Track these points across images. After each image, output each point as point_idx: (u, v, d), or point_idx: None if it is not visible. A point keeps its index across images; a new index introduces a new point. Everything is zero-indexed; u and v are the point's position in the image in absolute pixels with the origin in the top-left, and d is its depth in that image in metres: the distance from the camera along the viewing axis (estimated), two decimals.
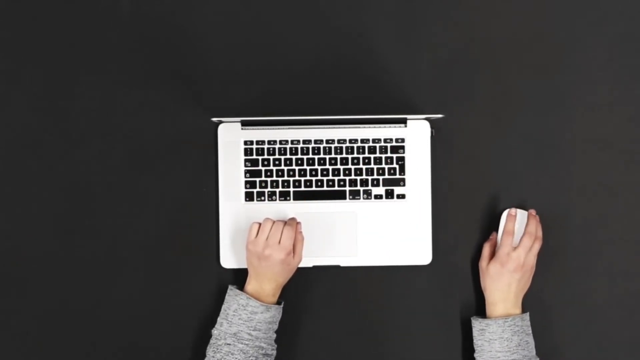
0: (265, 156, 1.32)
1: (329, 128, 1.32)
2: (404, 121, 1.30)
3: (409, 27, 1.35)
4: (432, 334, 1.33)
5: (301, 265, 1.30)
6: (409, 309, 1.34)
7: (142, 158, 1.34)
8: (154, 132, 1.34)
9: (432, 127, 1.33)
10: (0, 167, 1.34)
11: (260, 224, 1.25)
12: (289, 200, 1.32)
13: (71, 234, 1.33)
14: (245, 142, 1.32)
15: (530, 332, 1.26)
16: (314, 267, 1.32)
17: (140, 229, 1.33)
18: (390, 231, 1.32)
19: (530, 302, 1.30)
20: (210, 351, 1.22)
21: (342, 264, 1.32)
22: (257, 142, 1.32)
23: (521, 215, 1.30)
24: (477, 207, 1.34)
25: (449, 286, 1.34)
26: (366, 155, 1.32)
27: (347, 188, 1.32)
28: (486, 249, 1.30)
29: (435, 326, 1.33)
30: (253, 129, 1.32)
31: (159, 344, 1.33)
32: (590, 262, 1.34)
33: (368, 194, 1.32)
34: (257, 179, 1.32)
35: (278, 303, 1.26)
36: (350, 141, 1.32)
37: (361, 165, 1.32)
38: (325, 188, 1.32)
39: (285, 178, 1.32)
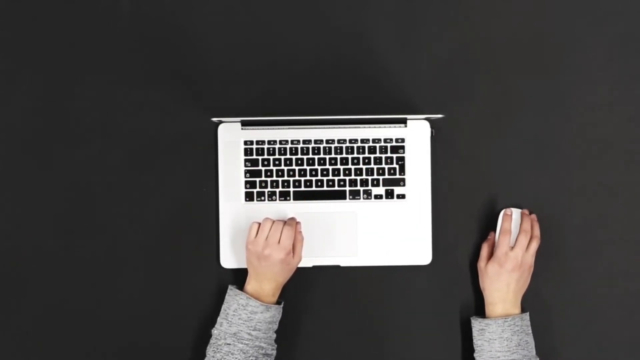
0: (265, 156, 1.32)
1: (329, 128, 1.32)
2: (404, 121, 1.30)
3: (409, 27, 1.35)
4: (432, 334, 1.33)
5: (301, 265, 1.30)
6: (409, 309, 1.34)
7: (142, 158, 1.34)
8: (154, 132, 1.34)
9: (432, 127, 1.33)
10: (0, 167, 1.34)
11: (259, 224, 1.25)
12: (289, 200, 1.32)
13: (71, 234, 1.33)
14: (245, 142, 1.32)
15: (530, 331, 1.26)
16: (314, 267, 1.32)
17: (140, 229, 1.33)
18: (390, 231, 1.32)
19: (530, 302, 1.30)
20: (210, 351, 1.22)
21: (342, 264, 1.32)
22: (257, 142, 1.32)
23: (518, 214, 1.30)
24: (477, 207, 1.34)
25: (449, 286, 1.34)
26: (366, 155, 1.32)
27: (347, 188, 1.32)
28: (484, 249, 1.30)
29: (435, 326, 1.33)
30: (253, 129, 1.32)
31: (159, 344, 1.33)
32: (590, 262, 1.34)
33: (368, 194, 1.32)
34: (257, 179, 1.32)
35: (278, 303, 1.26)
36: (350, 141, 1.32)
37: (361, 165, 1.32)
38: (325, 188, 1.32)
39: (285, 178, 1.32)
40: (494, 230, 1.31)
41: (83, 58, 1.34)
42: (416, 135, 1.32)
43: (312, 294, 1.33)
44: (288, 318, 1.30)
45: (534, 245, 1.27)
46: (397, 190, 1.32)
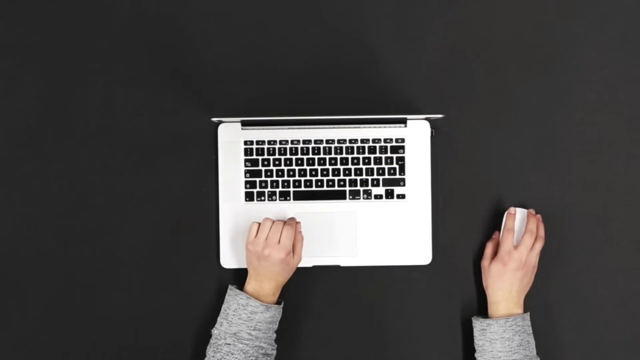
0: (265, 156, 1.32)
1: (329, 128, 1.32)
2: (404, 121, 1.30)
3: (409, 27, 1.35)
4: (432, 334, 1.33)
5: (301, 265, 1.30)
6: (409, 309, 1.34)
7: (142, 158, 1.34)
8: (154, 132, 1.34)
9: (432, 127, 1.33)
10: (0, 167, 1.34)
11: (259, 224, 1.25)
12: (289, 200, 1.32)
13: (71, 234, 1.33)
14: (245, 142, 1.32)
15: (531, 331, 1.26)
16: (314, 267, 1.32)
17: (140, 229, 1.33)
18: (390, 231, 1.32)
19: (530, 302, 1.29)
20: (210, 351, 1.22)
21: (342, 264, 1.32)
22: (257, 142, 1.32)
23: (522, 214, 1.30)
24: (477, 207, 1.34)
25: (449, 286, 1.34)
26: (366, 155, 1.32)
27: (347, 188, 1.32)
28: (489, 248, 1.30)
29: (435, 326, 1.33)
30: (253, 129, 1.32)
31: (159, 344, 1.33)
32: (591, 262, 1.34)
33: (368, 194, 1.32)
34: (257, 179, 1.32)
35: (278, 303, 1.26)
36: (350, 141, 1.32)
37: (361, 165, 1.32)
38: (325, 188, 1.32)
39: (285, 178, 1.32)
40: (497, 229, 1.31)
41: (83, 58, 1.34)
42: (416, 135, 1.32)
43: (312, 294, 1.33)
44: (288, 318, 1.30)
45: (538, 245, 1.27)
46: (397, 190, 1.32)
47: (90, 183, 1.33)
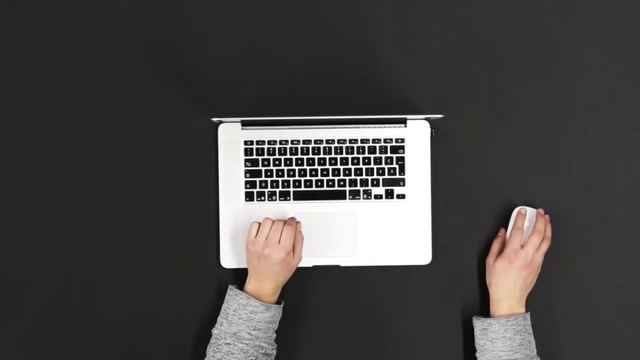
0: (265, 156, 1.32)
1: (329, 128, 1.32)
2: (403, 121, 1.30)
3: (409, 27, 1.35)
4: (432, 334, 1.33)
5: (301, 265, 1.30)
6: (409, 309, 1.34)
7: (142, 158, 1.34)
8: (154, 132, 1.34)
9: (432, 127, 1.33)
10: (0, 167, 1.34)
11: (260, 224, 1.25)
12: (289, 200, 1.32)
13: (71, 234, 1.33)
14: (245, 142, 1.32)
15: (532, 331, 1.26)
16: (314, 267, 1.32)
17: (140, 229, 1.33)
18: (390, 231, 1.32)
19: (531, 302, 1.29)
20: (210, 351, 1.22)
21: (342, 264, 1.32)
22: (257, 142, 1.32)
23: (531, 213, 1.30)
24: (477, 207, 1.34)
25: (449, 286, 1.34)
26: (366, 155, 1.32)
27: (347, 188, 1.32)
28: (495, 246, 1.30)
29: (436, 326, 1.33)
30: (253, 129, 1.32)
31: (159, 344, 1.33)
32: (590, 262, 1.34)
33: (368, 194, 1.32)
34: (257, 179, 1.32)
35: (278, 303, 1.26)
36: (350, 141, 1.32)
37: (361, 165, 1.32)
38: (325, 188, 1.32)
39: (285, 178, 1.32)
40: (498, 228, 1.31)
41: (83, 58, 1.34)
42: (416, 135, 1.32)
43: (312, 294, 1.33)
44: (288, 318, 1.30)
45: (544, 245, 1.27)
46: (397, 190, 1.32)
47: (90, 183, 1.33)
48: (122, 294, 1.33)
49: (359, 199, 1.32)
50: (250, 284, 1.26)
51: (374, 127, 1.32)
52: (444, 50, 1.34)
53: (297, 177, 1.32)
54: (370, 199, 1.32)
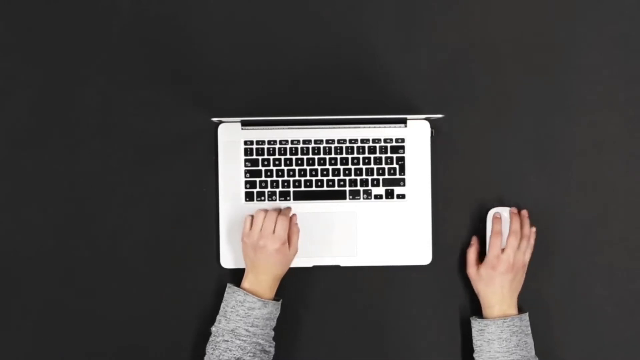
0: (265, 156, 1.32)
1: (329, 128, 1.32)
2: (404, 121, 1.30)
3: (408, 28, 1.35)
4: (431, 334, 1.33)
5: (301, 265, 1.30)
6: (409, 309, 1.33)
7: (142, 158, 1.34)
8: (154, 132, 1.34)
9: (432, 127, 1.33)
10: (0, 167, 1.34)
11: (253, 217, 1.26)
12: (289, 200, 1.32)
13: (71, 234, 1.33)
14: (245, 142, 1.32)
15: (530, 332, 1.26)
16: (314, 267, 1.32)
17: (140, 229, 1.33)
18: (390, 231, 1.32)
19: (530, 302, 1.30)
20: (209, 348, 1.22)
21: (342, 264, 1.32)
22: (257, 142, 1.32)
23: (507, 213, 1.30)
24: (477, 207, 1.34)
25: (449, 286, 1.34)
26: (366, 155, 1.32)
27: (347, 188, 1.32)
28: (471, 255, 1.29)
29: (435, 326, 1.33)
30: (253, 129, 1.32)
31: (159, 344, 1.33)
32: (590, 262, 1.34)
33: (368, 194, 1.32)
34: (257, 179, 1.32)
35: (276, 300, 1.26)
36: (350, 141, 1.32)
37: (361, 165, 1.32)
38: (325, 188, 1.32)
39: (285, 178, 1.32)
40: (484, 232, 1.31)
41: (83, 58, 1.34)
42: (416, 135, 1.32)
43: (312, 294, 1.33)
44: (288, 318, 1.30)
45: (524, 244, 1.27)
46: (397, 190, 1.32)
47: (90, 183, 1.33)
48: (122, 294, 1.33)
49: (359, 199, 1.32)
50: (247, 279, 1.26)
51: (374, 127, 1.32)
52: (444, 50, 1.34)
53: (297, 177, 1.32)
54: (370, 199, 1.32)
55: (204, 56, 1.34)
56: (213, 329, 1.24)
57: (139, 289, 1.33)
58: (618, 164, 1.34)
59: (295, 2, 1.35)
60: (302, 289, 1.33)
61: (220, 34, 1.35)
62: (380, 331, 1.33)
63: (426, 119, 1.32)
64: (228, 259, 1.32)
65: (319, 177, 1.32)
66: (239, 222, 1.31)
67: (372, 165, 1.32)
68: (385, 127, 1.32)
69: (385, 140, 1.32)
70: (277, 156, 1.32)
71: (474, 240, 1.31)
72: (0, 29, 1.34)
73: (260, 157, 1.32)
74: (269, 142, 1.32)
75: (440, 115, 1.26)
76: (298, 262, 1.31)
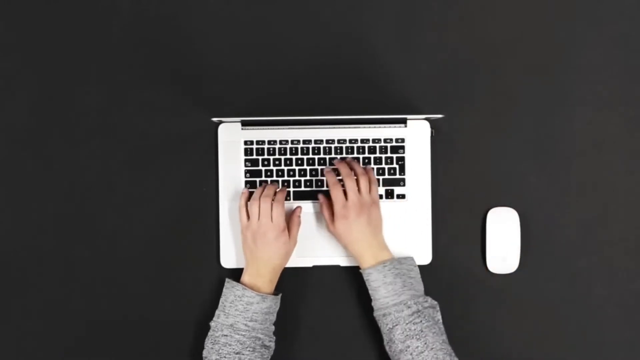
0: (265, 156, 1.32)
1: (329, 128, 1.32)
2: (404, 121, 1.31)
3: (409, 28, 1.35)
4: None
5: (301, 265, 1.30)
6: None
7: (142, 158, 1.34)
8: (154, 132, 1.34)
9: (432, 127, 1.33)
10: (0, 167, 1.34)
11: (246, 208, 1.26)
12: (289, 200, 1.32)
13: (71, 234, 1.33)
14: (245, 142, 1.32)
15: (416, 275, 1.25)
16: (314, 267, 1.32)
17: (140, 229, 1.33)
18: (390, 231, 1.32)
19: (529, 302, 1.30)
20: (208, 343, 1.23)
21: (342, 264, 1.32)
22: (257, 142, 1.32)
23: (507, 213, 1.30)
24: (477, 207, 1.34)
25: (449, 286, 1.34)
26: (366, 155, 1.32)
27: None
28: (326, 214, 1.28)
29: None
30: (253, 129, 1.32)
31: (159, 344, 1.33)
32: (590, 262, 1.34)
33: None
34: (257, 179, 1.32)
35: (276, 295, 1.26)
36: (350, 141, 1.32)
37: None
38: (325, 188, 1.32)
39: (285, 178, 1.32)
40: (496, 230, 1.31)
41: (83, 58, 1.34)
42: (416, 135, 1.32)
43: (312, 293, 1.33)
44: (288, 318, 1.30)
45: (364, 181, 1.25)
46: (397, 190, 1.32)
47: (90, 183, 1.33)
48: (122, 294, 1.33)
49: None
50: (247, 272, 1.26)
51: (374, 127, 1.32)
52: (444, 50, 1.34)
53: (297, 177, 1.32)
54: None
55: (204, 56, 1.34)
56: (212, 323, 1.24)
57: (139, 288, 1.33)
58: (618, 164, 1.34)
59: (295, 2, 1.35)
60: (302, 289, 1.33)
61: (220, 34, 1.35)
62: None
63: (426, 119, 1.32)
64: (228, 259, 1.32)
65: (319, 177, 1.32)
66: (239, 222, 1.31)
67: (372, 165, 1.32)
68: (385, 127, 1.32)
69: (385, 141, 1.32)
70: (277, 156, 1.32)
71: (321, 198, 1.30)
72: (0, 29, 1.34)
73: (260, 157, 1.32)
74: (269, 142, 1.32)
75: (440, 116, 1.26)
76: (298, 262, 1.31)
